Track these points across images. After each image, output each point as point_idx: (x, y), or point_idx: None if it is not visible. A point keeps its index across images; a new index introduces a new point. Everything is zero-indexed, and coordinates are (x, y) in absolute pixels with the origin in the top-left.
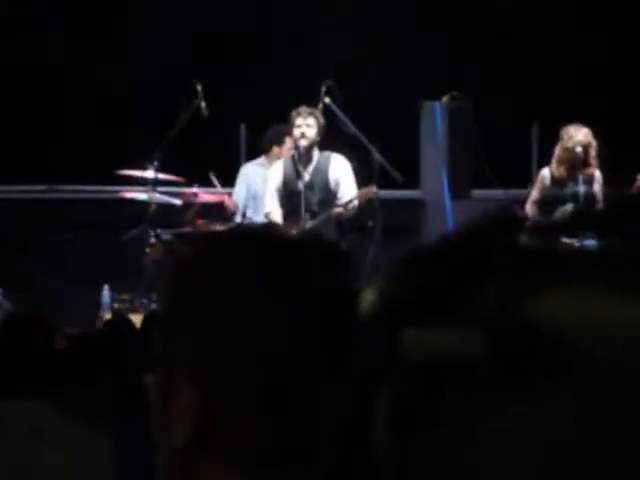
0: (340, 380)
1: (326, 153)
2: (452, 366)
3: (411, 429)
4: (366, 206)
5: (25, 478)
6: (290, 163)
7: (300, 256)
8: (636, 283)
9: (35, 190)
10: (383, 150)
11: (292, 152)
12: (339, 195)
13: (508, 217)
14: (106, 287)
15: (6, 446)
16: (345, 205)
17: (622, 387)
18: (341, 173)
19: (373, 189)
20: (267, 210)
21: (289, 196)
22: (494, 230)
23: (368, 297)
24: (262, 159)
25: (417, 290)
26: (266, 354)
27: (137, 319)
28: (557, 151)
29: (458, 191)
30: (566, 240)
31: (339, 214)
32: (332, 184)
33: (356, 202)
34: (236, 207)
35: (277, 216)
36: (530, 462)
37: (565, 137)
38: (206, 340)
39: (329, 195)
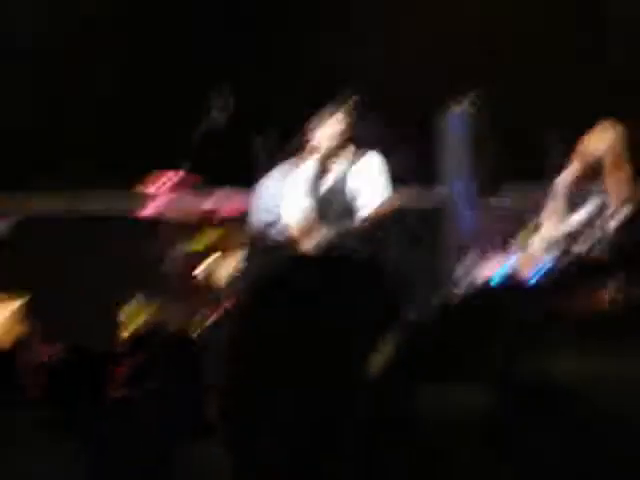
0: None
1: (360, 152)
2: (461, 418)
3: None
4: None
5: None
6: (312, 170)
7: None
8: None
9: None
10: (402, 158)
11: (314, 157)
12: (362, 201)
13: (510, 285)
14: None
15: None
16: (368, 219)
17: (615, 429)
18: (366, 175)
19: (395, 202)
20: (286, 220)
21: (310, 205)
22: (498, 294)
23: (384, 351)
24: (280, 169)
25: (432, 347)
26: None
27: None
28: (573, 157)
29: (478, 197)
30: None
31: (362, 227)
32: (354, 190)
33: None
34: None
35: (296, 224)
36: None
37: (581, 144)
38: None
39: (351, 201)
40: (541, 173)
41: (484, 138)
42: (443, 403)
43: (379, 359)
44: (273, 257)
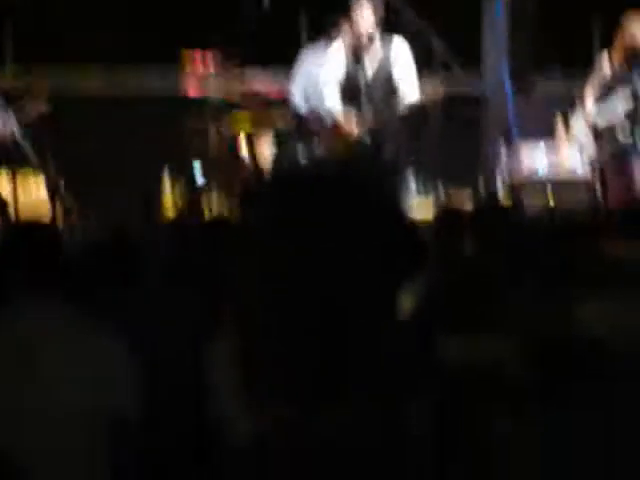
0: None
1: (387, 37)
2: (490, 371)
3: (456, 431)
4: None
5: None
6: (351, 55)
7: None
8: None
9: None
10: (446, 42)
11: (352, 42)
12: (402, 87)
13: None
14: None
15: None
16: (410, 108)
17: None
18: (402, 60)
19: (440, 91)
20: (328, 104)
21: (351, 91)
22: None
23: (409, 301)
24: (321, 44)
25: (458, 297)
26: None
27: None
28: (616, 38)
29: (521, 84)
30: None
31: (404, 115)
32: (394, 75)
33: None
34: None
35: (339, 110)
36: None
37: (625, 25)
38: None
39: (391, 87)
40: (584, 57)
41: (526, 21)
42: (469, 353)
43: (407, 299)
44: (309, 148)
